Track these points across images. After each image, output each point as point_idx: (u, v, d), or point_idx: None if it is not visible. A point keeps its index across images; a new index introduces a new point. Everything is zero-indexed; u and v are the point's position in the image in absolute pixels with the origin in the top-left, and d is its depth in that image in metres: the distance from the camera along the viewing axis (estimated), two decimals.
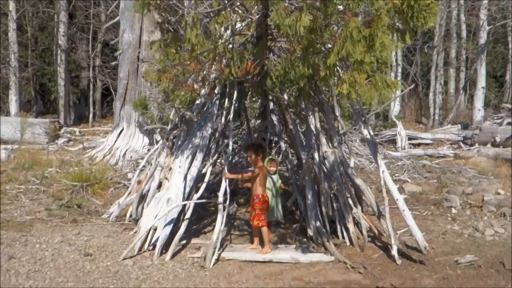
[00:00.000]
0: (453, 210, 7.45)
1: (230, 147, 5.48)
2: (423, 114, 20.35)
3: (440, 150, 12.98)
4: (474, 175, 9.80)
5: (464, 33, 20.47)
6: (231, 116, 5.59)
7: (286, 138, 6.75)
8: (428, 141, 14.43)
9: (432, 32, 20.29)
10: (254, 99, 7.83)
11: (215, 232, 5.00)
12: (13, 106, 16.46)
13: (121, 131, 10.98)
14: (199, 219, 6.53)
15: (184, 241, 5.48)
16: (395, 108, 17.57)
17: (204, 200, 5.34)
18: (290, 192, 6.85)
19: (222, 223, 5.04)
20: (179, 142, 5.69)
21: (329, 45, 4.06)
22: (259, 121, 8.24)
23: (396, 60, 19.30)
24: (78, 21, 20.04)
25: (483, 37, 16.38)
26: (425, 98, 21.40)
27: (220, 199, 5.16)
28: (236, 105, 5.88)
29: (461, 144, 13.80)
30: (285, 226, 6.48)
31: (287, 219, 6.84)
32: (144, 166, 6.79)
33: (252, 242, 5.57)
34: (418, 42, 20.02)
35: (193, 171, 5.36)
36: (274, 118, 6.79)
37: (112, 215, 6.03)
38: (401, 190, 8.72)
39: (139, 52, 10.78)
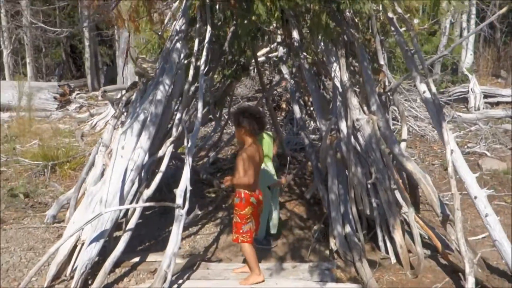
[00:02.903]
0: None
1: (199, 115, 3.42)
2: (502, 66, 16.91)
3: None
4: None
5: None
6: (202, 65, 3.49)
7: (301, 100, 4.57)
8: (510, 99, 11.58)
9: None
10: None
11: (166, 256, 3.06)
12: (28, 69, 15.18)
13: None
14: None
15: (136, 259, 3.64)
16: (467, 58, 14.37)
17: (151, 204, 3.36)
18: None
19: (177, 241, 3.08)
20: (131, 110, 3.74)
21: None
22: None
23: None
24: None
25: None
26: (503, 47, 17.78)
27: (179, 200, 3.19)
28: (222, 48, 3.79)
29: None
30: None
31: (310, 213, 4.85)
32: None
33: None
34: None
35: (137, 155, 3.39)
36: (285, 70, 4.61)
37: (49, 214, 4.24)
38: (476, 168, 6.32)
39: None
